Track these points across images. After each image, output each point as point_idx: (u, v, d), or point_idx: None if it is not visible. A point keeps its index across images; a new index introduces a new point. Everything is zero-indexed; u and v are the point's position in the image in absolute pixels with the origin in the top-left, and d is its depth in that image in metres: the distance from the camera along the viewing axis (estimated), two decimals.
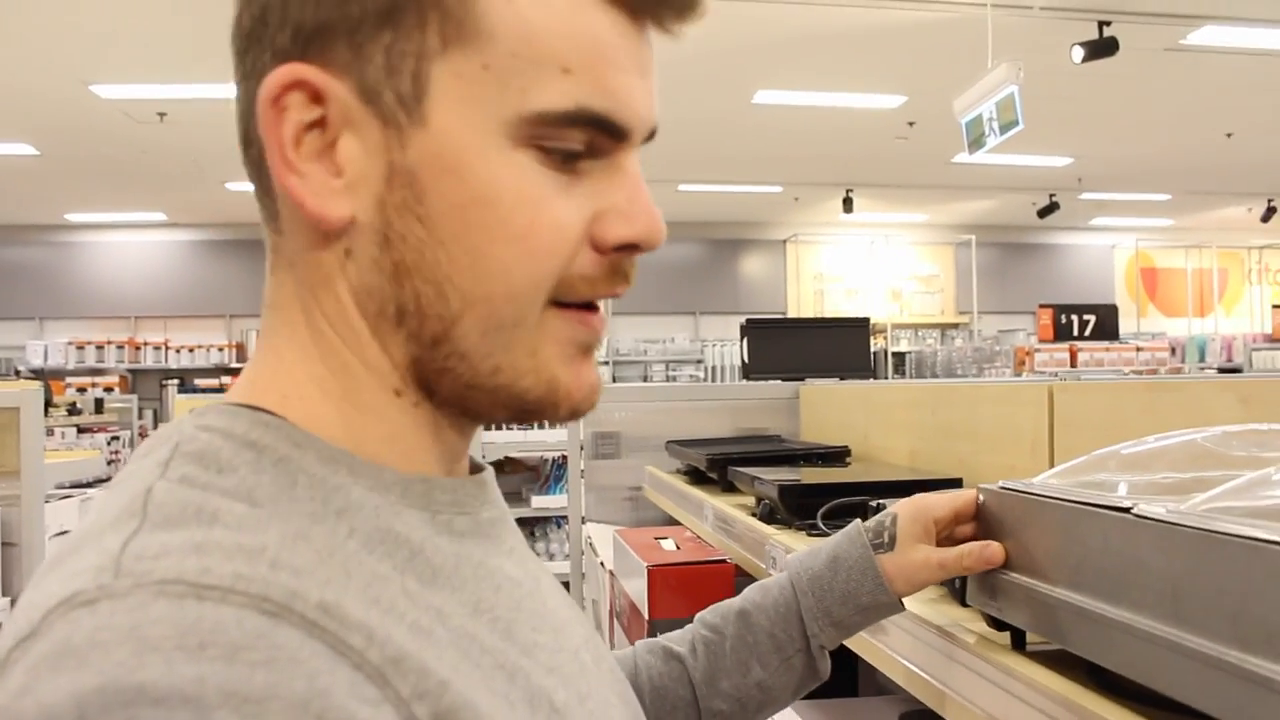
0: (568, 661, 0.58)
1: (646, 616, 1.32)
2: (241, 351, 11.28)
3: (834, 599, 0.84)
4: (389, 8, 0.52)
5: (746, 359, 2.69)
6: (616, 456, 2.69)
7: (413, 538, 0.53)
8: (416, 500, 0.55)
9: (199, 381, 11.00)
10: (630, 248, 0.56)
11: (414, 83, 0.52)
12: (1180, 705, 0.58)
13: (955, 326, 12.89)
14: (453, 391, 0.56)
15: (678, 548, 1.45)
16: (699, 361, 11.63)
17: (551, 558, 5.01)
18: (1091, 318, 10.25)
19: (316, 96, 0.53)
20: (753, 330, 2.75)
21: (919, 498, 0.87)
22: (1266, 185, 11.32)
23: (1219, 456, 0.74)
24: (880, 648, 0.95)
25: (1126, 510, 0.64)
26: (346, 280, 0.55)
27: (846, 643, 1.06)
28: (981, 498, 0.82)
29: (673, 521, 2.14)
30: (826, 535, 1.35)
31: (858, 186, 10.73)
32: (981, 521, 0.82)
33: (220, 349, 11.28)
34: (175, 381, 11.03)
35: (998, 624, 0.81)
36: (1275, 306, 11.75)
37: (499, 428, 4.87)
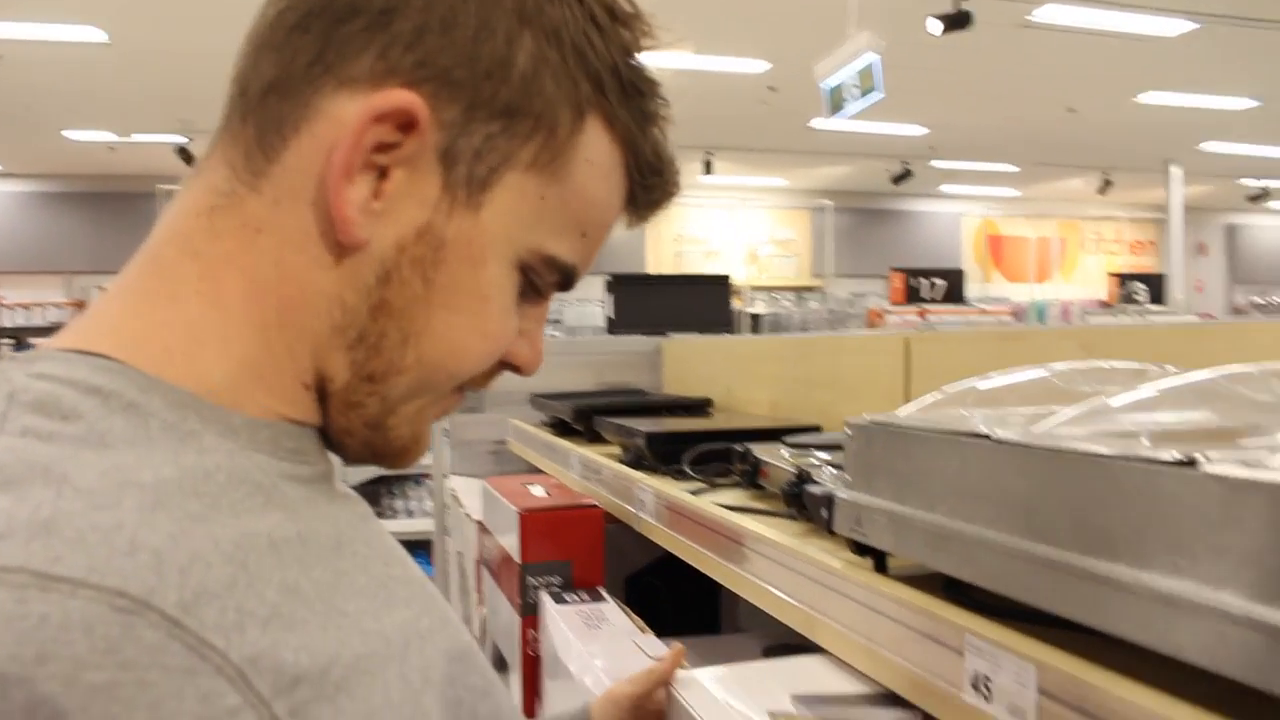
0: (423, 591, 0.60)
1: (519, 561, 1.34)
2: (82, 309, 10.81)
3: None
4: (513, 109, 0.57)
5: (612, 314, 2.72)
6: (480, 410, 2.69)
7: (264, 483, 0.52)
8: (264, 445, 0.55)
9: (34, 340, 10.45)
10: (514, 367, 0.64)
11: (489, 175, 0.57)
12: (1028, 613, 0.63)
13: (810, 289, 13.20)
14: (347, 420, 0.59)
15: (548, 494, 1.47)
16: (558, 320, 11.63)
17: (411, 514, 4.97)
18: (940, 282, 10.64)
19: (408, 127, 0.55)
20: (618, 286, 2.78)
21: (608, 691, 0.92)
22: (1104, 159, 11.87)
23: (1065, 390, 0.80)
24: (749, 578, 0.99)
25: (985, 436, 0.68)
26: (322, 283, 0.56)
27: (712, 576, 1.10)
28: (848, 430, 0.86)
29: (539, 473, 2.15)
30: (693, 479, 1.39)
31: (718, 150, 10.86)
32: (847, 453, 0.86)
33: (58, 307, 10.77)
34: (9, 341, 10.50)
35: (861, 549, 0.85)
36: (1111, 274, 12.38)
37: None
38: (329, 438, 0.60)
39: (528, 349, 0.64)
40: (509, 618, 1.40)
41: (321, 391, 0.58)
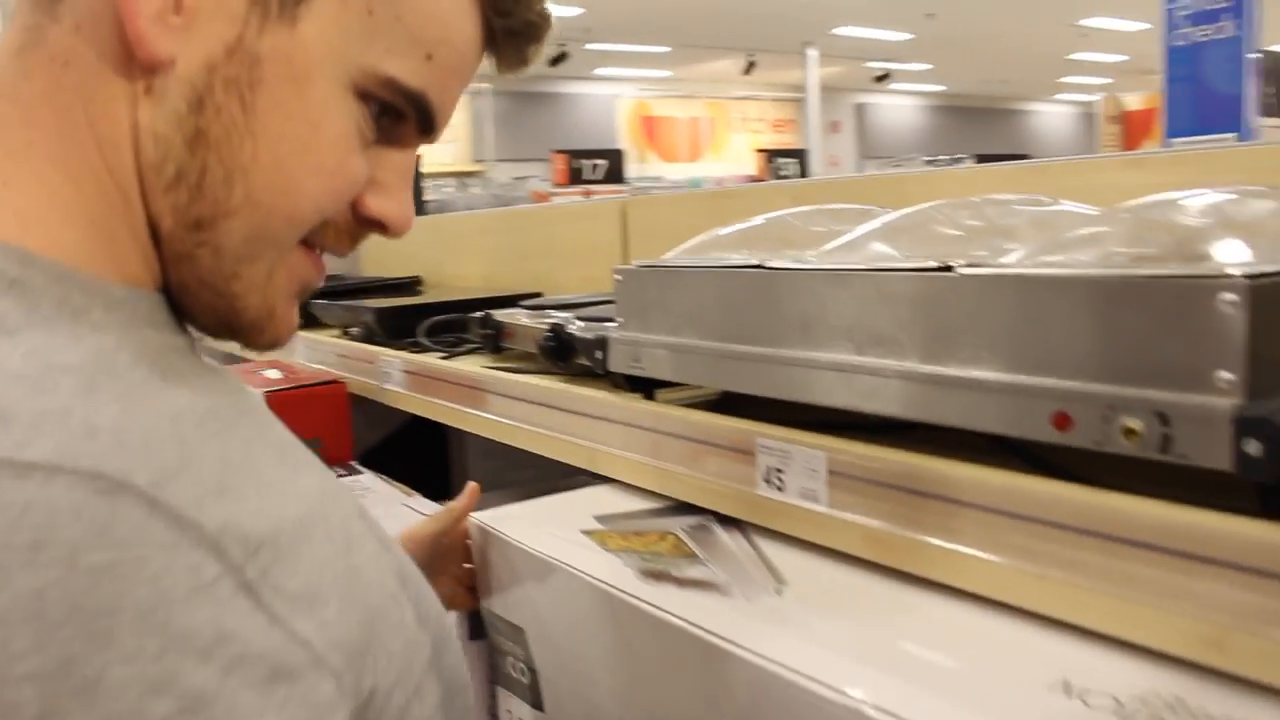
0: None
1: None
2: None
3: None
4: None
5: None
6: None
7: (158, 360, 0.50)
8: (144, 318, 0.52)
9: None
10: (377, 225, 0.58)
11: None
12: (802, 423, 0.73)
13: (471, 174, 13.12)
14: (180, 275, 0.54)
15: (284, 376, 1.46)
16: None
17: None
18: (602, 162, 10.87)
19: None
20: None
21: (407, 530, 0.94)
22: (749, 41, 12.45)
23: (803, 230, 0.90)
24: (526, 428, 1.05)
25: (759, 266, 0.78)
26: (134, 115, 0.51)
27: (483, 434, 1.16)
28: (618, 276, 0.93)
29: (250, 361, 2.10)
30: (430, 350, 1.43)
31: None
32: (618, 297, 0.93)
33: None
34: None
35: (633, 384, 0.94)
36: (757, 150, 13.12)
37: None
38: (181, 311, 0.56)
39: (393, 205, 0.57)
40: None
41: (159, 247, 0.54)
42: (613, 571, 0.74)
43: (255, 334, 0.58)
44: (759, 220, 0.96)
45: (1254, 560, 0.49)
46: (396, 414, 1.79)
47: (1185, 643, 0.52)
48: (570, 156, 10.77)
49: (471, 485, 0.95)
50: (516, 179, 12.46)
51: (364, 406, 1.48)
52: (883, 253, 0.73)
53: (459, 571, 0.96)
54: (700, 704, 0.64)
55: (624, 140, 14.46)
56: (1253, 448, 0.48)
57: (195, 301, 0.55)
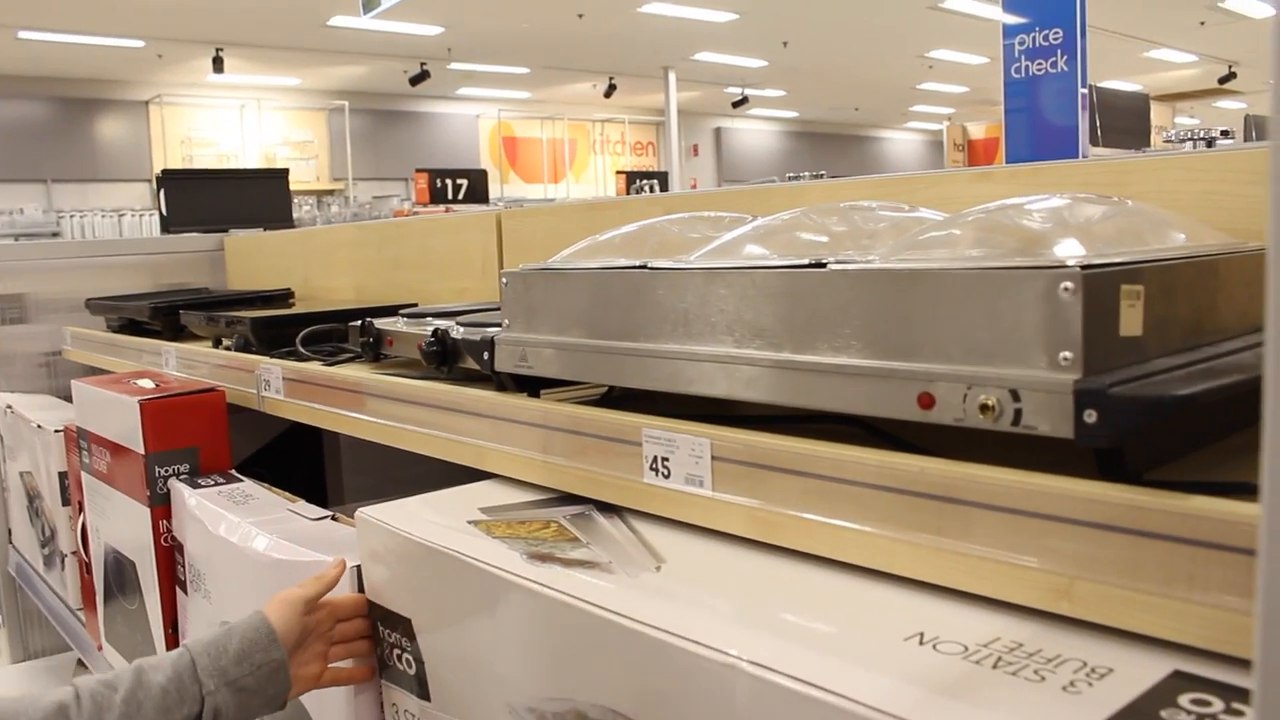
0: None
1: (143, 452, 1.32)
2: None
3: (229, 658, 0.86)
4: None
5: (165, 211, 2.59)
6: (24, 321, 2.48)
7: None
8: None
9: None
10: None
11: None
12: (677, 412, 0.78)
13: (331, 193, 12.90)
14: None
15: (157, 385, 1.44)
16: (55, 234, 10.52)
17: None
18: (464, 182, 10.83)
19: None
20: (170, 181, 2.64)
21: (278, 596, 0.93)
22: (610, 64, 12.58)
23: (680, 235, 0.95)
24: (412, 430, 1.08)
25: (644, 266, 0.82)
26: None
27: (367, 437, 1.18)
28: (504, 280, 0.96)
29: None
30: (309, 359, 1.44)
31: (229, 45, 10.23)
32: (505, 300, 0.97)
33: None
34: None
35: (520, 384, 0.97)
36: (618, 172, 13.23)
37: None
38: None
39: None
40: (135, 514, 1.38)
41: None
42: (498, 555, 0.77)
43: None
44: (636, 227, 1.01)
45: (1095, 516, 0.56)
46: (270, 426, 1.78)
47: (1037, 594, 0.58)
48: (432, 176, 10.70)
49: (341, 559, 0.95)
50: (377, 198, 12.31)
51: (237, 418, 1.47)
52: (758, 253, 0.79)
53: (327, 647, 0.93)
54: (588, 677, 0.68)
55: (486, 161, 14.42)
56: (1091, 417, 0.55)
57: None
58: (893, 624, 0.60)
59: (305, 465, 1.88)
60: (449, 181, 10.85)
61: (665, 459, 0.78)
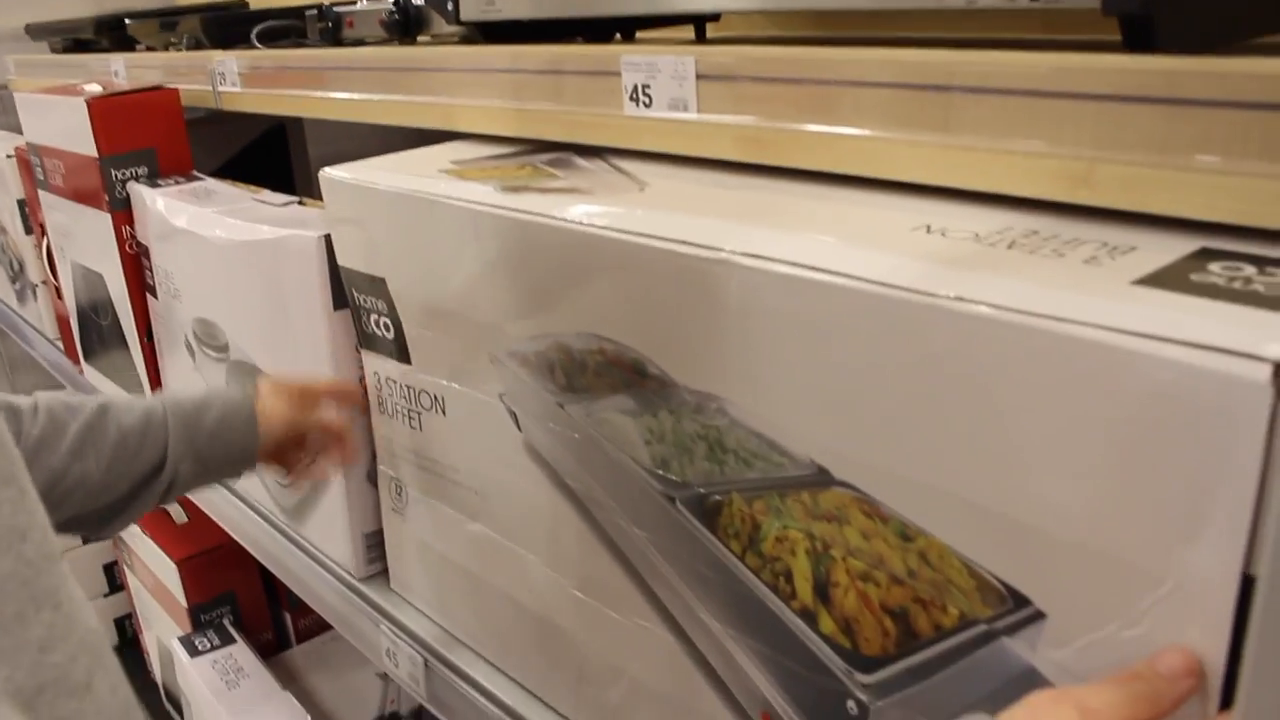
0: None
1: (96, 155, 1.25)
2: None
3: (202, 434, 0.82)
4: None
5: None
6: None
7: None
8: None
9: None
10: None
11: None
12: None
13: None
14: None
15: (105, 89, 1.35)
16: None
17: None
18: None
19: None
20: None
21: (276, 379, 0.89)
22: None
23: None
24: (378, 99, 1.00)
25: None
26: None
27: (345, 117, 1.11)
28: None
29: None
30: (262, 49, 1.34)
31: None
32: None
33: None
34: None
35: (489, 35, 0.90)
36: None
37: None
38: None
39: None
40: (97, 223, 1.32)
41: None
42: (471, 192, 0.71)
43: None
44: None
45: (1123, 88, 0.50)
46: (233, 138, 1.70)
47: (1053, 182, 0.53)
48: None
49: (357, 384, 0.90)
50: None
51: (199, 132, 1.39)
52: None
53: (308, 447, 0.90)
54: (570, 304, 0.64)
55: None
56: None
57: None
58: (896, 221, 0.56)
59: (272, 173, 1.81)
60: None
61: (646, 86, 0.72)
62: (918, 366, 0.46)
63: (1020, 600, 0.45)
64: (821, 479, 0.52)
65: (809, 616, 0.55)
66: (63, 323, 1.72)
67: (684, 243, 0.55)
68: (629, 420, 0.62)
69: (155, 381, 1.34)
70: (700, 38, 0.87)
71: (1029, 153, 0.54)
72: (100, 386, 1.57)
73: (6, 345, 2.42)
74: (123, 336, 1.38)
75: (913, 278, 0.46)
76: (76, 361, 1.65)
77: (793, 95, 0.63)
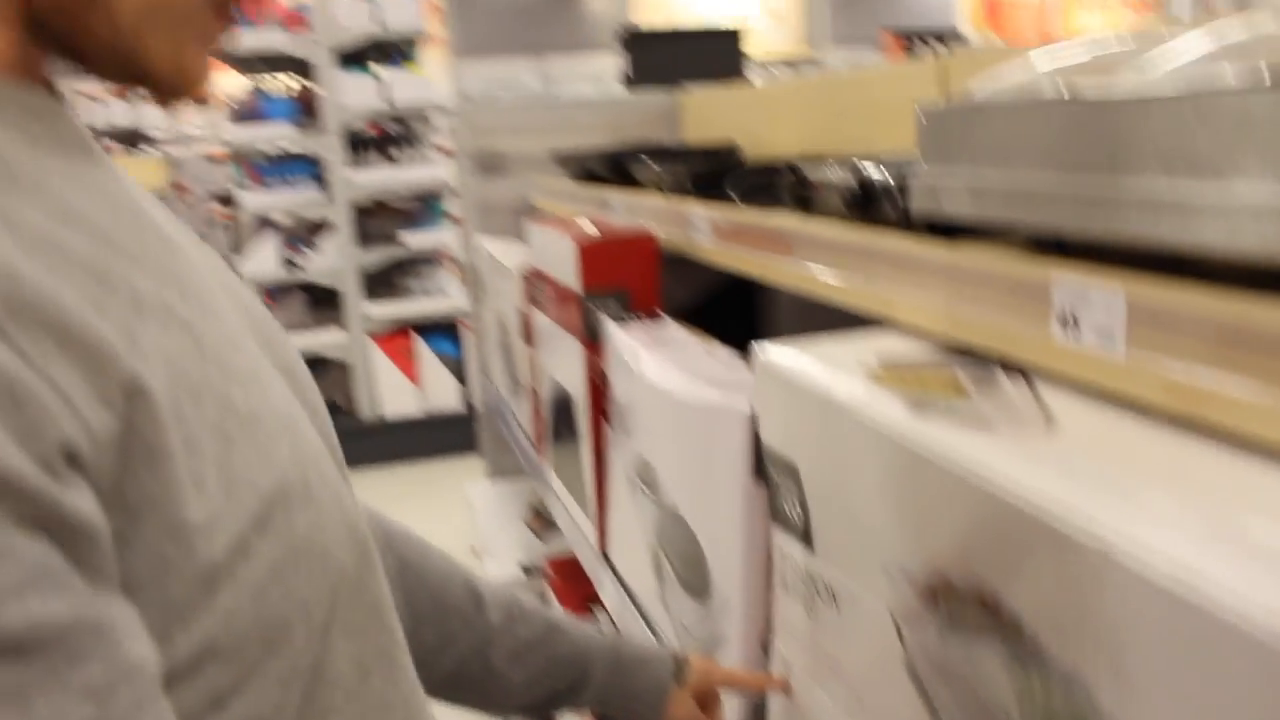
0: (188, 275, 0.54)
1: (581, 291, 1.40)
2: None
3: (620, 693, 0.89)
4: None
5: (630, 70, 2.70)
6: (503, 174, 2.71)
7: (26, 165, 0.47)
8: (12, 113, 0.49)
9: None
10: None
11: None
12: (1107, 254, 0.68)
13: (802, 60, 12.88)
14: (83, 47, 0.51)
15: (597, 229, 1.51)
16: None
17: (429, 294, 5.02)
18: (938, 43, 10.38)
19: None
20: (633, 41, 2.74)
21: (706, 661, 0.93)
22: None
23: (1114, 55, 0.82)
24: (820, 276, 1.04)
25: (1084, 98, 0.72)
26: None
27: (782, 285, 1.16)
28: (922, 118, 0.89)
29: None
30: (736, 205, 1.43)
31: None
32: (920, 140, 0.89)
33: None
34: None
35: (935, 230, 0.91)
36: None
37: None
38: (84, 64, 0.53)
39: None
40: (570, 349, 1.47)
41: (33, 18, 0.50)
42: (882, 407, 0.72)
43: (170, 93, 0.55)
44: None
45: None
46: (705, 281, 1.82)
47: None
48: (903, 38, 10.35)
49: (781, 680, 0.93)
50: (849, 65, 12.15)
51: (676, 270, 1.51)
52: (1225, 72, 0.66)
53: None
54: (952, 542, 0.62)
55: (962, 21, 13.71)
56: None
57: (99, 64, 0.53)
58: None
59: (738, 321, 1.91)
60: (920, 41, 10.45)
61: (1074, 313, 0.69)
62: None
63: None
64: None
65: None
66: (537, 428, 1.92)
67: (1063, 520, 0.52)
68: (1004, 674, 0.59)
69: (598, 503, 1.46)
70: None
71: None
72: (549, 481, 1.73)
73: (496, 429, 2.73)
74: (578, 450, 1.51)
75: None
76: (546, 466, 1.83)
77: (1228, 349, 0.58)
